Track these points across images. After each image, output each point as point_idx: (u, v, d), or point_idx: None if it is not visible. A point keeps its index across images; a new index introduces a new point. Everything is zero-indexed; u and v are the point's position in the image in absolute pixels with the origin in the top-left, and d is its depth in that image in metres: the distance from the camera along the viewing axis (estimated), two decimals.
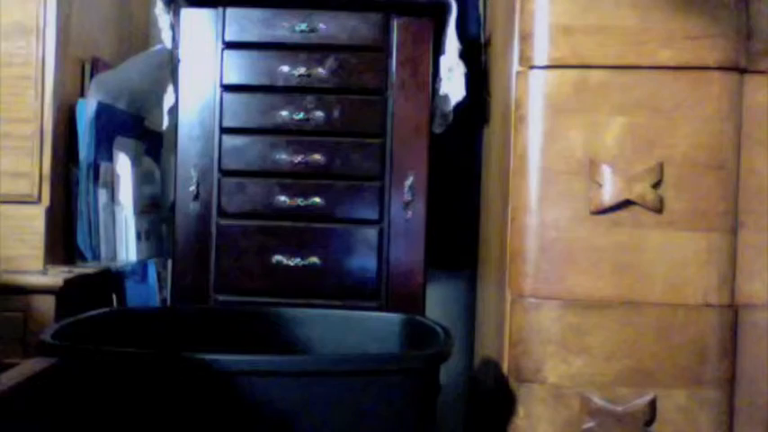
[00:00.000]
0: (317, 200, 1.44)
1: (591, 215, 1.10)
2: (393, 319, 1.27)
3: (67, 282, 1.41)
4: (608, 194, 1.09)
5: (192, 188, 1.45)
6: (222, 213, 1.45)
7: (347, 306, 1.39)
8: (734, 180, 1.09)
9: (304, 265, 1.43)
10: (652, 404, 1.09)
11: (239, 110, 1.45)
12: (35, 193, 1.47)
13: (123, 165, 1.66)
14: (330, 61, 1.45)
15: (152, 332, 1.23)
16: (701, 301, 1.09)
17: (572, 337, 1.10)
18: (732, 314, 1.10)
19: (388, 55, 1.45)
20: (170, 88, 1.55)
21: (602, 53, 1.10)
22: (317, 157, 1.44)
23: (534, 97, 1.12)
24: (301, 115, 1.44)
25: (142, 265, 1.65)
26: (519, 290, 1.12)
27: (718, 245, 1.09)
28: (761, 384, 1.10)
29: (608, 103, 1.10)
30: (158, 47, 1.62)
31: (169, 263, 1.64)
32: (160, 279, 1.68)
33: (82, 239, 1.58)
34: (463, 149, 1.70)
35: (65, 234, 1.56)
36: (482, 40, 1.65)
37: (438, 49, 1.49)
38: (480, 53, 1.62)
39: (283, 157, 1.44)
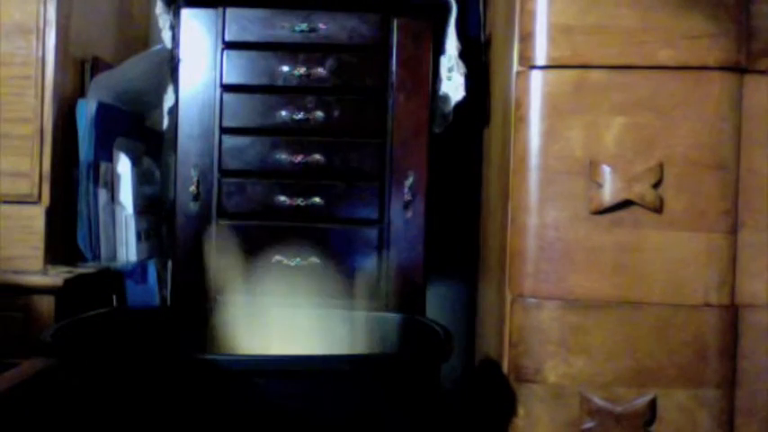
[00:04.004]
0: (317, 200, 1.44)
1: (591, 215, 1.10)
2: (393, 319, 1.27)
3: (67, 282, 1.41)
4: (608, 194, 1.09)
5: (192, 188, 1.45)
6: (222, 213, 1.45)
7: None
8: (734, 180, 1.09)
9: (304, 265, 1.43)
10: (652, 404, 1.09)
11: (239, 110, 1.45)
12: (35, 193, 1.47)
13: (123, 165, 1.66)
14: (330, 61, 1.45)
15: (152, 332, 1.23)
16: (700, 301, 1.09)
17: (572, 337, 1.10)
18: (732, 314, 1.09)
19: (388, 55, 1.45)
20: (170, 88, 1.55)
21: (602, 53, 1.10)
22: (317, 157, 1.44)
23: (534, 97, 1.12)
24: (301, 115, 1.44)
25: (142, 265, 1.65)
26: (519, 290, 1.12)
27: (718, 245, 1.09)
28: (761, 384, 1.10)
29: (608, 103, 1.10)
30: (158, 47, 1.62)
31: (169, 263, 1.64)
32: (160, 279, 1.68)
33: (82, 239, 1.58)
34: (463, 149, 1.70)
35: (65, 234, 1.56)
36: (482, 40, 1.65)
37: (438, 49, 1.49)
38: (480, 53, 1.62)
39: (283, 157, 1.44)
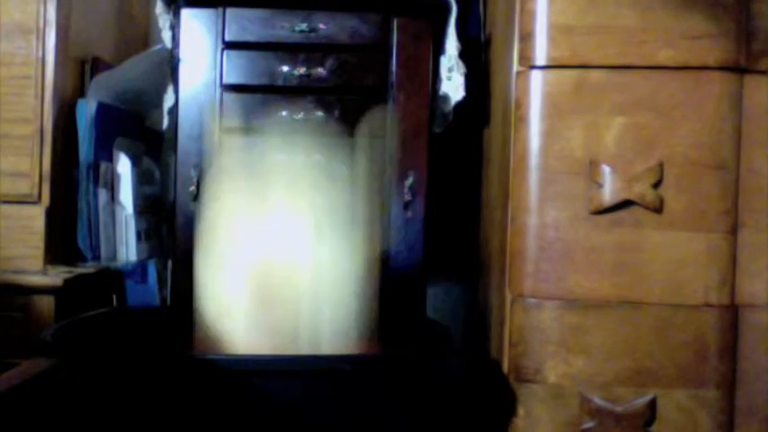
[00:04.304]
0: None
1: (591, 215, 1.10)
2: (393, 319, 1.27)
3: (67, 282, 1.41)
4: (608, 194, 1.09)
5: (192, 188, 1.45)
6: None
7: None
8: (734, 180, 1.09)
9: None
10: (652, 404, 1.09)
11: (239, 110, 1.45)
12: (35, 193, 1.47)
13: (123, 165, 1.66)
14: (330, 61, 1.45)
15: (152, 332, 1.23)
16: (700, 301, 1.09)
17: (572, 337, 1.10)
18: (732, 314, 1.10)
19: (389, 55, 1.45)
20: (170, 88, 1.55)
21: (602, 53, 1.10)
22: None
23: (534, 97, 1.12)
24: (301, 115, 1.44)
25: (142, 265, 1.65)
26: (519, 290, 1.12)
27: (718, 245, 1.09)
28: (761, 384, 1.10)
29: (608, 103, 1.10)
30: (158, 47, 1.62)
31: (169, 263, 1.64)
32: (160, 279, 1.68)
33: (82, 239, 1.58)
34: (463, 149, 1.70)
35: (65, 234, 1.56)
36: (482, 40, 1.65)
37: (438, 49, 1.49)
38: (480, 53, 1.62)
39: None
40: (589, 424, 1.09)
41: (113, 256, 1.63)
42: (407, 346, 1.23)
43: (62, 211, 1.54)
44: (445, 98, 1.50)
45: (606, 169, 1.09)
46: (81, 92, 1.61)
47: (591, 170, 1.10)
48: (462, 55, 1.48)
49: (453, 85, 1.48)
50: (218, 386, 0.96)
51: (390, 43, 1.45)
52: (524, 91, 1.13)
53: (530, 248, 1.11)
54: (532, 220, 1.11)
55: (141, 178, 1.71)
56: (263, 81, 1.45)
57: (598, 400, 1.09)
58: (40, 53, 1.47)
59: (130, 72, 1.67)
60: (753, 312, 1.10)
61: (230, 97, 1.45)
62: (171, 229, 1.52)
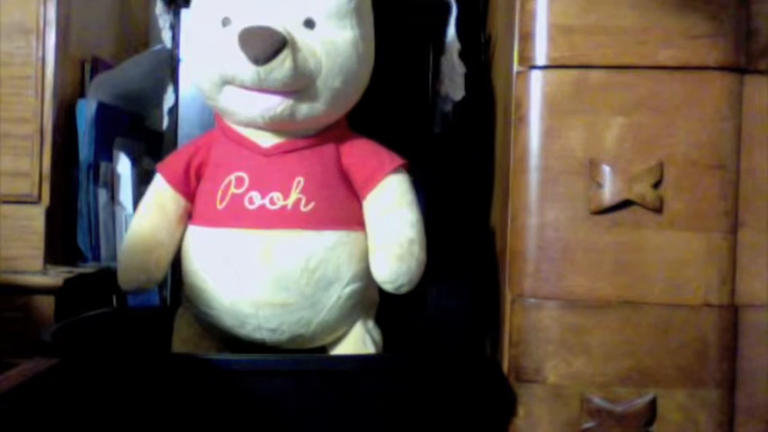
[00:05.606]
0: None
1: (591, 215, 1.10)
2: (393, 318, 1.27)
3: (67, 282, 1.41)
4: (608, 194, 1.09)
5: None
6: None
7: None
8: (734, 180, 1.09)
9: None
10: (652, 404, 1.09)
11: None
12: (35, 193, 1.47)
13: (123, 165, 1.66)
14: None
15: (152, 332, 1.23)
16: (700, 301, 1.09)
17: (572, 337, 1.10)
18: (732, 314, 1.10)
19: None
20: (170, 88, 1.55)
21: (601, 53, 1.10)
22: None
23: (534, 97, 1.11)
24: None
25: None
26: (519, 290, 1.12)
27: (717, 245, 1.09)
28: (761, 384, 1.10)
29: (608, 103, 1.10)
30: (158, 47, 1.62)
31: None
32: None
33: (82, 239, 1.58)
34: (463, 149, 1.70)
35: (65, 234, 1.56)
36: (482, 40, 1.65)
37: (438, 49, 1.48)
38: (480, 53, 1.62)
39: None
40: (589, 424, 1.09)
41: (113, 256, 1.63)
42: (407, 346, 1.23)
43: (62, 211, 1.54)
44: (445, 98, 1.50)
45: (606, 169, 1.09)
46: (81, 92, 1.61)
47: (591, 170, 1.10)
48: (462, 55, 1.48)
49: (453, 85, 1.48)
50: (218, 386, 0.96)
51: (390, 43, 1.45)
52: (524, 91, 1.12)
53: (530, 248, 1.11)
54: (532, 220, 1.11)
55: (141, 178, 1.72)
56: None
57: (598, 400, 1.09)
58: (40, 53, 1.47)
59: (130, 72, 1.67)
60: (753, 312, 1.10)
61: None
62: None
